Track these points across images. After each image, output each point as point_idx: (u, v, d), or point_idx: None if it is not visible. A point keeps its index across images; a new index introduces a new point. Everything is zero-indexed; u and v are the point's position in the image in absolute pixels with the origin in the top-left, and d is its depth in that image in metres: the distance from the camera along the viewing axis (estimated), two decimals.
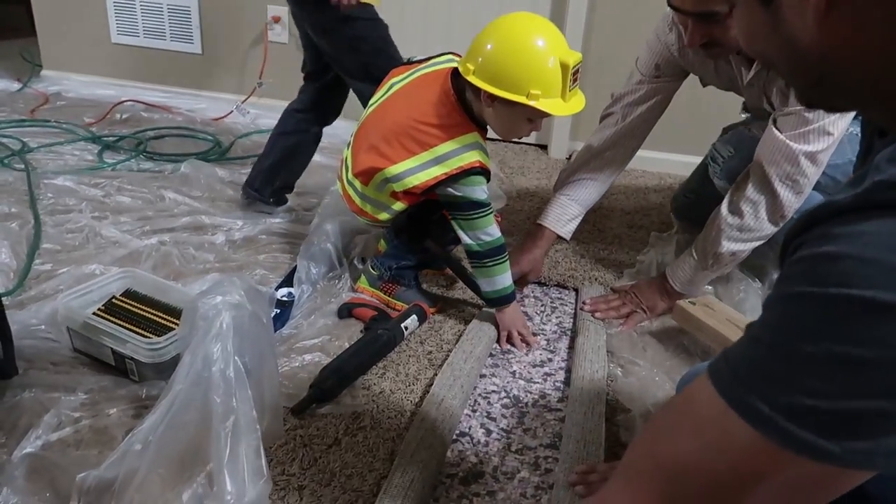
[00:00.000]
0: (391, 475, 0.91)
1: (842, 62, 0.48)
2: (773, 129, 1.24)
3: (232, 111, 2.51)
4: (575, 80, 1.16)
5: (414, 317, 1.29)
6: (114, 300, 1.18)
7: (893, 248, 0.39)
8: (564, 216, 1.50)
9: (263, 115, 2.49)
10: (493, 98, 1.13)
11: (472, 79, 1.14)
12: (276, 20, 2.47)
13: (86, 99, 2.62)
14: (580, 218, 1.53)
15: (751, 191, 1.26)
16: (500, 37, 1.14)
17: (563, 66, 1.12)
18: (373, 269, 1.38)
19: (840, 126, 1.21)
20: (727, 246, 1.29)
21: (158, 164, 2.03)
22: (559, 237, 1.51)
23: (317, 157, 2.18)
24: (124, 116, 2.45)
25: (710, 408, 0.46)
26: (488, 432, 1.07)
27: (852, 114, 1.20)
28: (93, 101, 2.59)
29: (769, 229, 1.28)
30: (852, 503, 0.76)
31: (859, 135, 0.95)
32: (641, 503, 0.50)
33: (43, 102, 2.55)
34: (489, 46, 1.13)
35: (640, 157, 1.59)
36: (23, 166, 1.91)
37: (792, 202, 1.25)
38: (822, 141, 1.20)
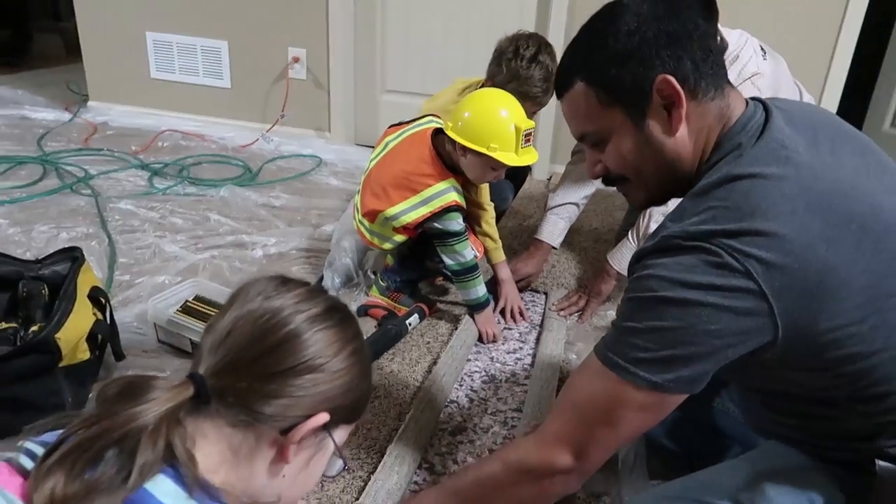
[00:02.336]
0: (402, 428, 1.28)
1: (683, 160, 0.84)
2: None
3: (258, 139, 2.88)
4: (527, 141, 1.53)
5: (416, 315, 1.66)
6: (188, 302, 1.55)
7: (672, 269, 0.76)
8: (555, 231, 1.89)
9: (285, 142, 2.87)
10: (465, 150, 1.51)
11: (451, 133, 1.52)
12: (296, 60, 2.85)
13: (130, 128, 3.00)
14: (566, 230, 1.90)
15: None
16: (476, 106, 1.51)
17: (517, 130, 1.50)
18: (381, 281, 1.75)
19: None
20: (654, 226, 1.62)
21: (201, 188, 2.40)
22: (552, 247, 1.89)
23: (332, 181, 2.57)
24: (165, 144, 2.83)
25: (595, 366, 0.82)
26: (471, 400, 1.44)
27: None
28: (136, 130, 2.97)
29: None
30: (714, 437, 1.15)
31: None
32: (562, 424, 0.86)
33: (93, 132, 2.93)
34: (467, 114, 1.50)
35: None
36: (88, 192, 2.29)
37: None
38: None
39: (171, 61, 3.02)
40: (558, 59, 1.14)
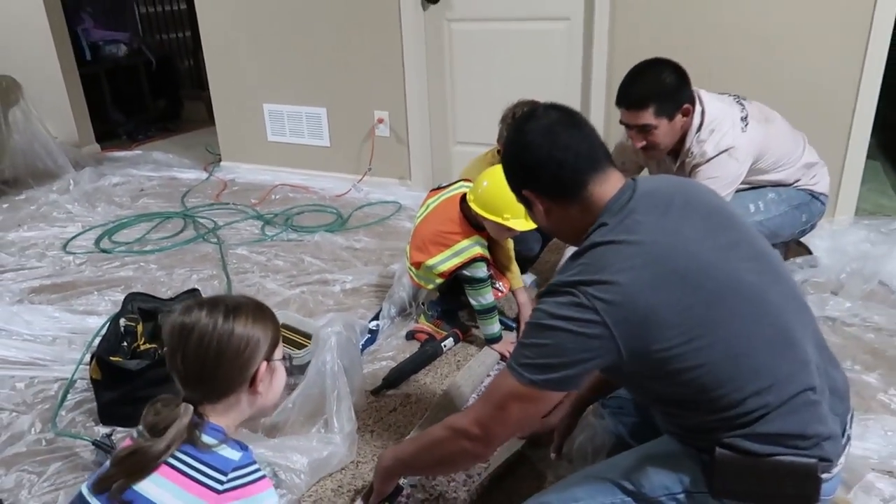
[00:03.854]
0: (419, 422, 1.68)
1: (578, 232, 1.20)
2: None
3: (350, 189, 3.42)
4: None
5: (451, 339, 2.05)
6: None
7: (550, 305, 1.11)
8: None
9: (373, 191, 3.38)
10: (484, 218, 1.89)
11: (472, 204, 1.90)
12: (381, 121, 3.36)
13: (251, 183, 3.64)
14: None
15: None
16: (492, 179, 1.88)
17: None
18: (427, 310, 2.16)
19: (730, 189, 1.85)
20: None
21: (300, 234, 2.95)
22: None
23: (407, 224, 3.02)
24: (277, 196, 3.44)
25: (504, 372, 1.19)
26: None
27: (731, 194, 1.84)
28: (256, 184, 3.61)
29: None
30: (652, 433, 1.43)
31: (776, 199, 1.95)
32: (479, 404, 1.20)
33: (223, 188, 3.60)
34: (485, 184, 1.89)
35: None
36: (216, 240, 2.89)
37: None
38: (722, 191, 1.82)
39: (282, 126, 3.64)
40: None
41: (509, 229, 1.89)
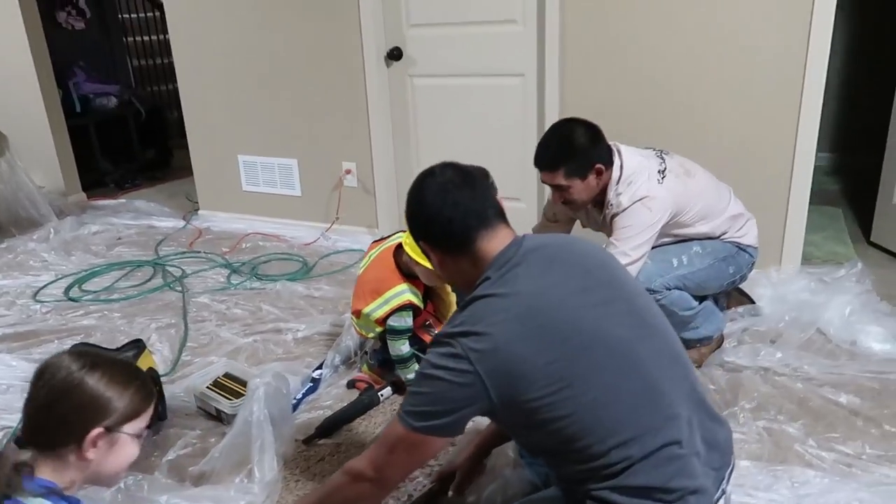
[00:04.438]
0: None
1: (470, 283, 1.27)
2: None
3: (319, 237, 3.50)
4: None
5: (389, 388, 2.10)
6: (218, 378, 2.10)
7: (432, 356, 1.16)
8: None
9: (340, 239, 3.46)
10: (416, 262, 1.96)
11: (406, 249, 1.98)
12: (348, 172, 3.46)
13: (225, 231, 3.74)
14: None
15: None
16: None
17: None
18: (370, 359, 2.22)
19: (638, 251, 1.90)
20: None
21: (263, 283, 3.02)
22: None
23: None
24: (248, 245, 3.52)
25: (395, 418, 1.24)
26: None
27: (646, 244, 1.90)
28: (229, 233, 3.70)
29: None
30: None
31: (700, 252, 1.94)
32: (374, 447, 1.25)
33: (198, 236, 3.69)
34: None
35: None
36: (180, 288, 2.97)
37: None
38: (624, 259, 1.87)
39: (256, 176, 3.75)
40: None
41: (438, 276, 1.97)
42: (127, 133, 5.24)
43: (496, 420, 1.26)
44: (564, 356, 1.12)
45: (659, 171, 1.95)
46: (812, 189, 2.63)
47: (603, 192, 1.98)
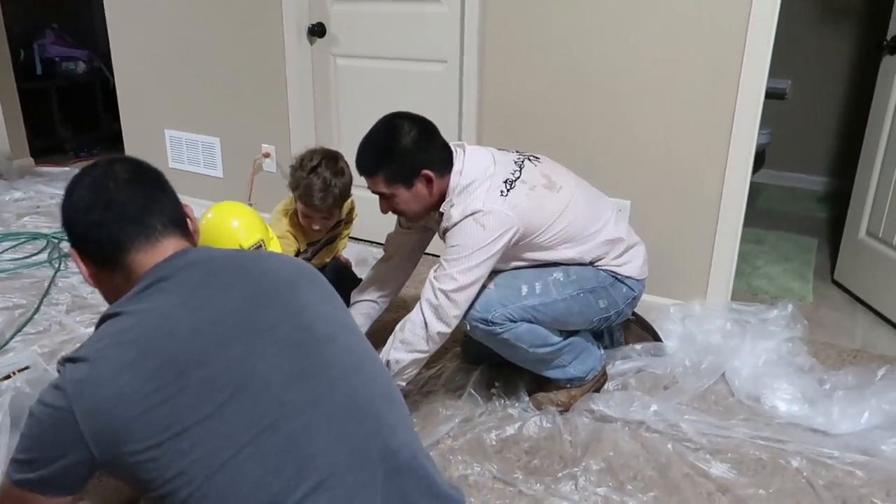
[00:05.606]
0: None
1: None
2: (432, 271, 1.64)
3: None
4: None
5: None
6: (11, 374, 1.87)
7: (72, 371, 0.88)
8: None
9: None
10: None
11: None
12: (267, 155, 3.20)
13: None
14: (365, 325, 1.95)
15: (414, 311, 1.63)
16: (207, 224, 1.71)
17: (241, 247, 1.68)
18: None
19: (468, 276, 1.57)
20: (393, 354, 1.62)
21: None
22: None
23: None
24: None
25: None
26: None
27: (478, 267, 1.57)
28: None
29: (422, 345, 1.59)
30: None
31: (561, 280, 1.64)
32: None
33: None
34: (209, 216, 1.72)
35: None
36: (56, 266, 2.76)
37: (435, 326, 1.58)
38: (450, 283, 1.57)
39: (181, 153, 3.53)
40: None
41: None
42: (92, 101, 5.10)
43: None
44: (175, 397, 0.85)
45: (505, 182, 1.63)
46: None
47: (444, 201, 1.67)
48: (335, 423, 0.91)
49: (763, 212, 3.68)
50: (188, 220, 1.11)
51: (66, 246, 2.98)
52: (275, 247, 1.87)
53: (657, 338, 2.12)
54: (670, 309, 2.25)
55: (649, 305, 2.33)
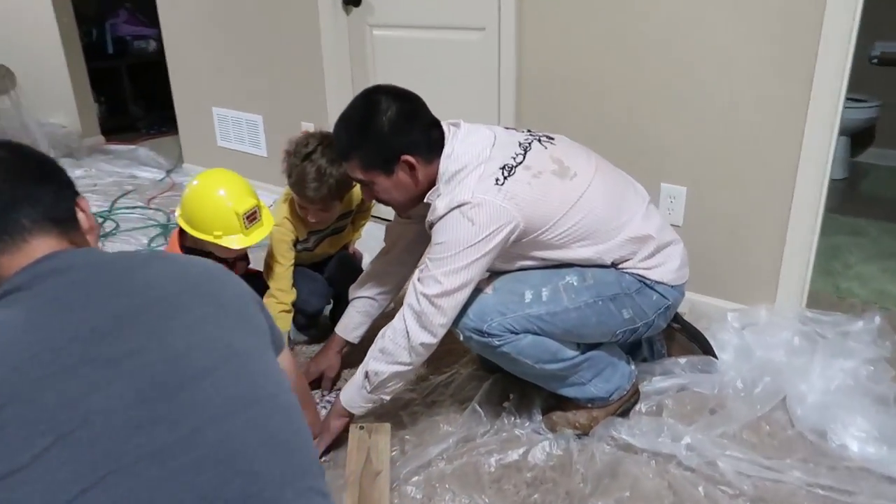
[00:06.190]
0: None
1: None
2: (417, 271, 1.42)
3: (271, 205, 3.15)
4: (252, 220, 1.54)
5: None
6: None
7: None
8: (351, 324, 1.79)
9: None
10: (203, 241, 1.59)
11: (181, 223, 1.60)
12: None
13: None
14: (365, 324, 1.78)
15: (396, 317, 1.42)
16: (193, 192, 1.58)
17: (237, 215, 1.53)
18: None
19: (454, 279, 1.34)
20: (371, 364, 1.41)
21: None
22: (347, 341, 1.79)
23: None
24: None
25: None
26: None
27: (467, 269, 1.33)
28: None
29: (404, 356, 1.38)
30: None
31: (576, 285, 1.44)
32: None
33: (166, 190, 3.47)
34: (187, 193, 1.58)
35: None
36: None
37: (418, 336, 1.36)
38: (434, 286, 1.35)
39: (228, 131, 3.45)
40: None
41: (227, 249, 1.60)
42: (163, 79, 5.15)
43: None
44: None
45: (503, 168, 1.37)
46: None
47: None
48: (189, 480, 0.73)
49: (866, 197, 3.18)
50: (80, 215, 0.95)
51: (108, 224, 2.98)
52: (267, 215, 1.73)
53: (708, 350, 1.81)
54: (728, 315, 1.92)
55: (702, 310, 2.01)
